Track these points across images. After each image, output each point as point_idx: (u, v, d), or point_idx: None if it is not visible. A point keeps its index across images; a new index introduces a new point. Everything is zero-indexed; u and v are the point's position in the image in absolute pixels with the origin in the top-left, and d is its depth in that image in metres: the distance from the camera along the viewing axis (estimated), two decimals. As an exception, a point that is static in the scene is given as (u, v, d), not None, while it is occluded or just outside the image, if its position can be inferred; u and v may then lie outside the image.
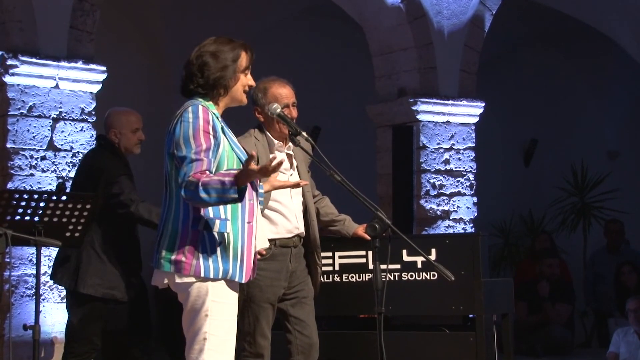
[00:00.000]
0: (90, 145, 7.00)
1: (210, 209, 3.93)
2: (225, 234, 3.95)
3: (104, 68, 7.13)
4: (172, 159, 3.98)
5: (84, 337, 5.74)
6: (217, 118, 4.04)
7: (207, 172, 3.88)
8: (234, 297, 4.01)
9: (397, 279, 5.51)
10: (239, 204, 3.95)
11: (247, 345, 4.94)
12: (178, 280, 3.95)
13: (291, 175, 5.06)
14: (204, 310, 3.93)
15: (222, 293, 3.95)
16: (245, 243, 3.99)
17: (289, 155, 5.10)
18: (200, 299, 3.93)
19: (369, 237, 5.11)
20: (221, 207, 3.94)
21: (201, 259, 3.91)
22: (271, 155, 4.70)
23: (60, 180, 6.74)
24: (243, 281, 3.99)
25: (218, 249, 3.93)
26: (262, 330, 4.96)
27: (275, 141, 5.07)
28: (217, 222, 3.94)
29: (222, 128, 4.03)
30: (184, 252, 3.91)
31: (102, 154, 5.89)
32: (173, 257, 3.93)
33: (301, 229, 5.11)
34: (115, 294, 5.73)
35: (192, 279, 3.93)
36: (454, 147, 9.14)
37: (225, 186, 3.80)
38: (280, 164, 3.86)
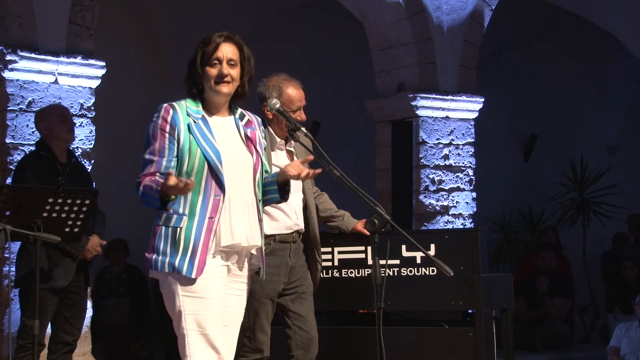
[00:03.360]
0: (89, 141, 7.01)
1: (172, 204, 4.02)
2: (178, 228, 3.99)
3: (103, 63, 7.13)
4: None
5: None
6: (188, 115, 4.07)
7: (157, 174, 4.01)
8: (207, 290, 4.01)
9: (396, 274, 5.51)
10: (200, 199, 4.00)
11: (247, 340, 4.95)
12: (150, 274, 4.10)
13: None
14: (177, 306, 4.01)
15: (192, 287, 4.00)
16: (202, 238, 4.00)
17: (290, 153, 5.10)
18: (171, 294, 4.02)
19: (368, 233, 5.13)
20: (181, 202, 4.01)
21: (154, 253, 4.02)
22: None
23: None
24: (193, 276, 3.98)
25: (169, 244, 4.00)
26: (261, 325, 4.96)
27: (278, 139, 5.06)
28: (174, 217, 4.01)
29: (189, 125, 4.05)
30: (147, 247, 4.07)
31: (29, 152, 6.16)
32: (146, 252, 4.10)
33: (301, 226, 5.11)
34: (51, 283, 5.67)
35: (159, 273, 4.03)
36: (454, 142, 9.14)
37: (151, 191, 3.98)
38: (190, 184, 3.88)
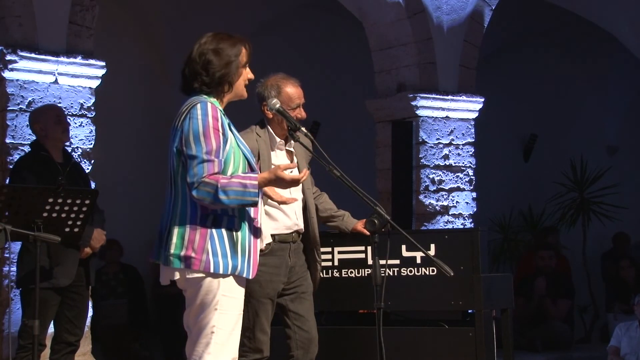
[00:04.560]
0: (89, 141, 7.01)
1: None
2: (234, 230, 3.99)
3: (103, 63, 7.12)
4: (179, 156, 3.99)
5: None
6: (224, 115, 4.05)
7: (221, 174, 3.92)
8: (241, 292, 4.06)
9: (396, 274, 5.51)
10: None
11: (247, 340, 4.94)
12: (188, 275, 3.99)
13: (291, 172, 5.04)
14: (213, 305, 3.97)
15: (231, 288, 4.00)
16: (252, 239, 4.05)
17: (289, 153, 5.10)
18: (212, 293, 3.97)
19: (368, 233, 5.12)
20: None
21: (211, 255, 3.95)
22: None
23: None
24: (250, 277, 4.05)
25: (227, 246, 3.97)
26: (261, 325, 4.96)
27: (277, 139, 5.06)
28: (226, 219, 3.99)
29: (229, 124, 4.05)
30: (193, 248, 3.95)
31: (25, 154, 6.13)
32: (182, 253, 3.96)
33: (300, 226, 5.11)
34: (53, 282, 5.65)
35: (202, 275, 3.97)
36: (453, 142, 9.14)
37: (246, 189, 3.90)
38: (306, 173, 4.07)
